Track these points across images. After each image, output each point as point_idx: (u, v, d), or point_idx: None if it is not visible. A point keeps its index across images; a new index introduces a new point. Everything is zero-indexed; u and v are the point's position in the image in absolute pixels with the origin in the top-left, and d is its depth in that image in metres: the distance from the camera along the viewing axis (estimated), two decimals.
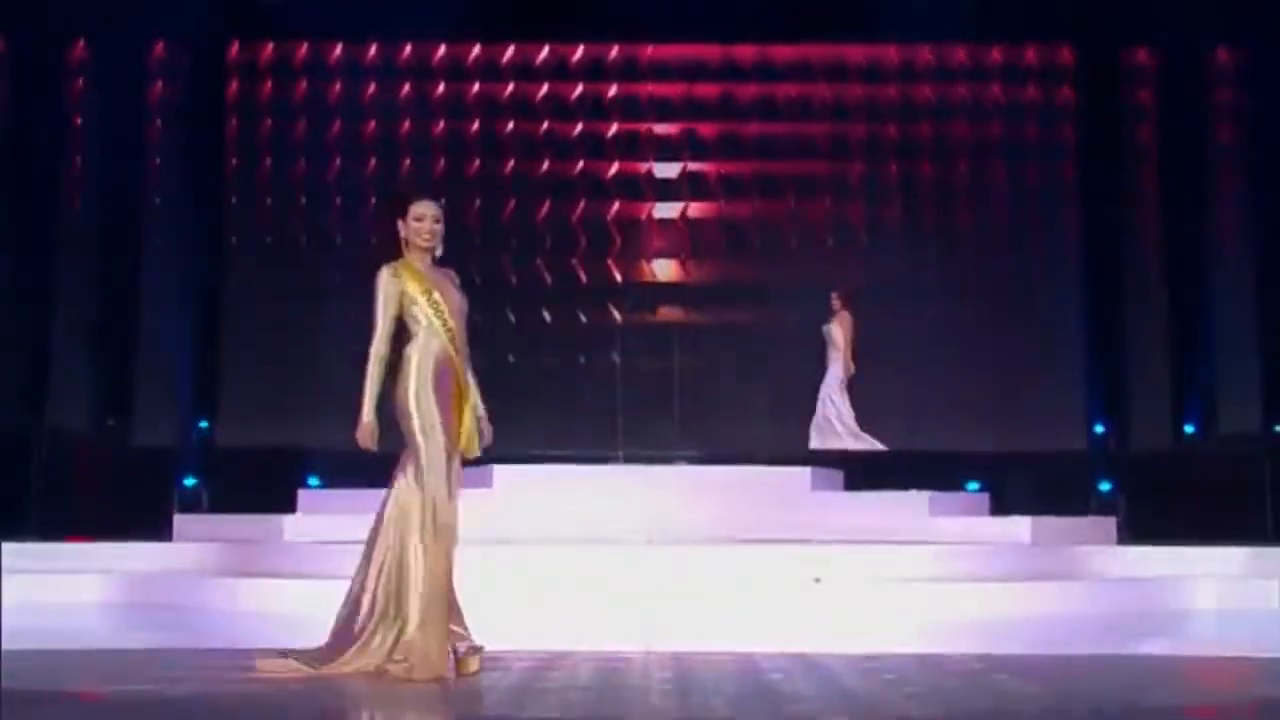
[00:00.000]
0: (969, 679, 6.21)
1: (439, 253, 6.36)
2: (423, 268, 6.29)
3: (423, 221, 6.26)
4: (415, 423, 6.17)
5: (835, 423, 14.52)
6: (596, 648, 7.05)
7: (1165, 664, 7.07)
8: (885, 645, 8.22)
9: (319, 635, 8.55)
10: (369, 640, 6.08)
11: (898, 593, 9.27)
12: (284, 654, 6.28)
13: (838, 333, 14.69)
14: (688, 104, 16.90)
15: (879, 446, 14.35)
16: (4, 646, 7.21)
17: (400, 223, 6.34)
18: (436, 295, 6.22)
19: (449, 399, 6.20)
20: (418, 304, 6.19)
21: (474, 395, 6.36)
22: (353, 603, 6.18)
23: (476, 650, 6.20)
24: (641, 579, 8.98)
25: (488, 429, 6.43)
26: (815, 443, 14.47)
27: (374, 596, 6.12)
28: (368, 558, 6.21)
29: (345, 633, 6.16)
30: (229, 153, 16.76)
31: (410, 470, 6.14)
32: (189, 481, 14.14)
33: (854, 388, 14.76)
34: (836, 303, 14.86)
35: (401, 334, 6.37)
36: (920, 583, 9.52)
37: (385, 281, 6.21)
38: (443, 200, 6.43)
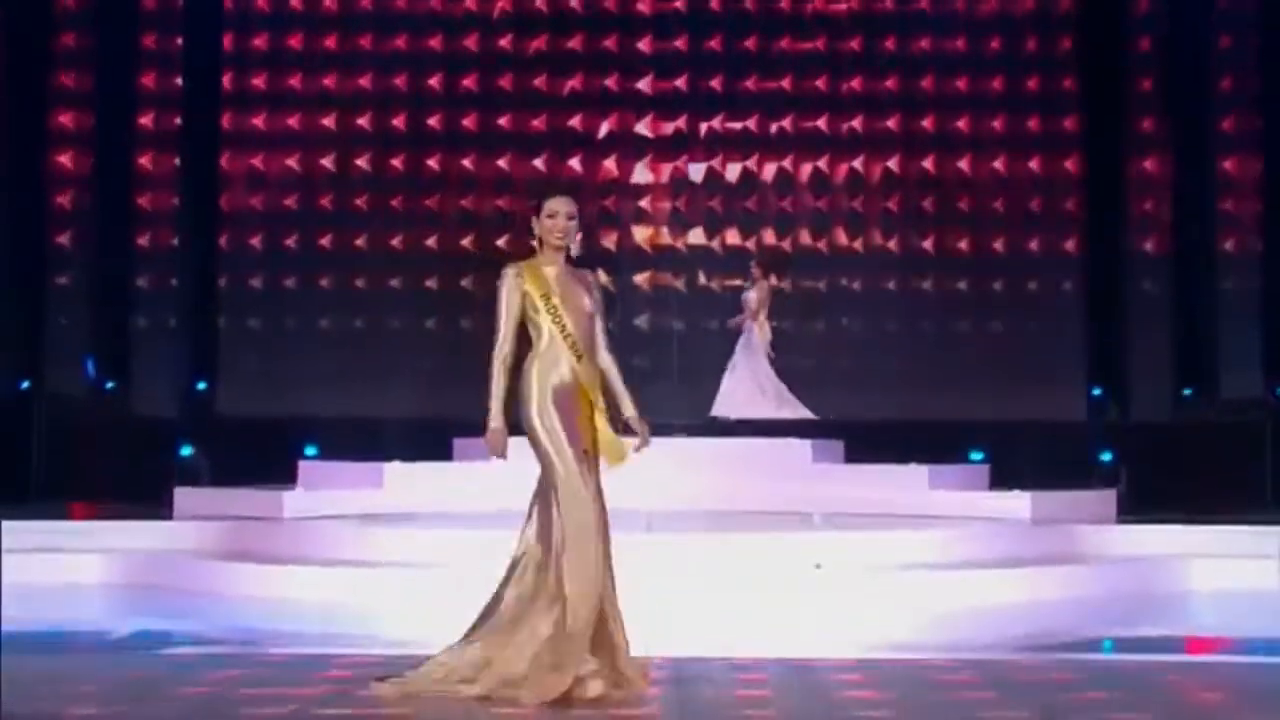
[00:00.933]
0: (956, 698, 6.16)
1: (575, 251, 6.10)
2: (552, 269, 6.03)
3: (555, 218, 6.03)
4: (545, 443, 5.92)
5: (746, 388, 14.41)
6: None
7: (1159, 668, 7.05)
8: (885, 638, 8.28)
9: (319, 620, 8.62)
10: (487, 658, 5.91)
11: (896, 582, 9.28)
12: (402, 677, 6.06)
13: (752, 299, 14.57)
14: (687, 60, 16.72)
15: (791, 414, 14.20)
16: (4, 628, 7.27)
17: (535, 220, 6.10)
18: (555, 300, 5.97)
19: (572, 411, 5.93)
20: (537, 309, 5.97)
21: (623, 396, 6.09)
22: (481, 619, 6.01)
23: (598, 674, 5.86)
24: (638, 573, 8.93)
25: (642, 428, 6.14)
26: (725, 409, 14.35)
27: (498, 619, 5.95)
28: (505, 582, 6.02)
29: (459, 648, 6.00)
30: (224, 109, 16.61)
31: (548, 494, 5.91)
32: (185, 451, 14.11)
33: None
34: (756, 271, 14.73)
35: (525, 342, 6.05)
36: (919, 570, 9.53)
37: (508, 282, 5.99)
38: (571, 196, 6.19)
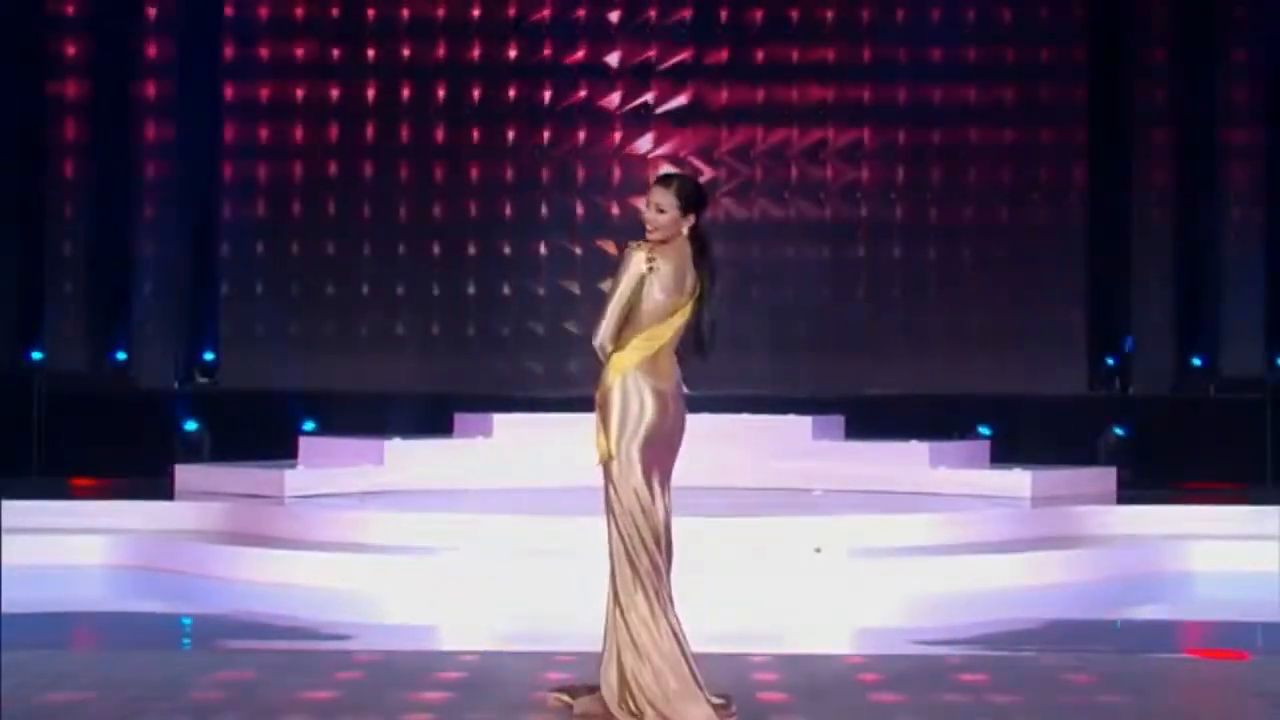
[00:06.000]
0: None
1: (661, 236, 5.42)
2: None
3: (645, 209, 5.50)
4: None
5: None
6: (569, 647, 6.61)
7: (1155, 668, 7.04)
8: (881, 625, 8.29)
9: (321, 607, 8.64)
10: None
11: (895, 567, 9.28)
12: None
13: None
14: (686, 26, 16.58)
15: None
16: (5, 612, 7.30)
17: None
18: None
19: None
20: None
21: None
22: None
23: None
24: None
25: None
26: None
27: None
28: None
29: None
30: (223, 76, 16.50)
31: None
32: (189, 425, 14.16)
33: None
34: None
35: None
36: (917, 556, 9.53)
37: None
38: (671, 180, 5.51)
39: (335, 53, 16.57)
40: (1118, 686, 6.20)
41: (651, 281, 5.38)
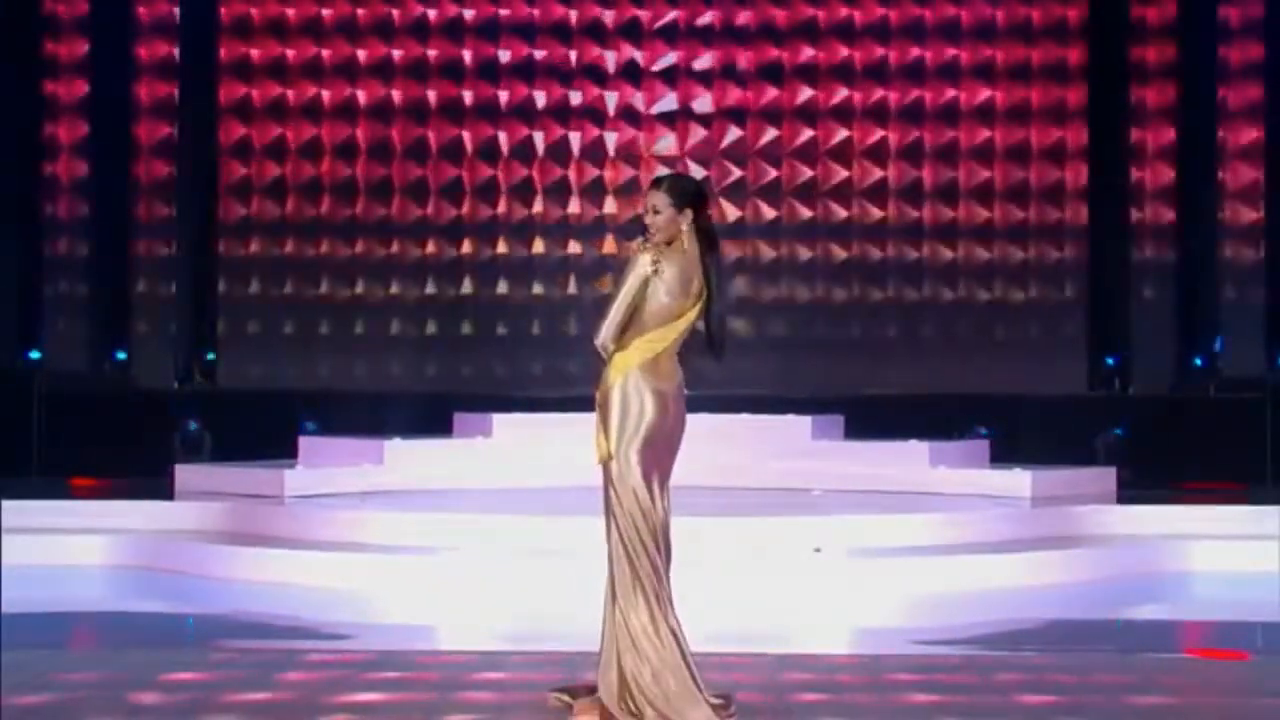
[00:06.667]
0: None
1: (661, 238, 5.43)
2: None
3: (645, 214, 5.56)
4: None
5: None
6: (568, 647, 6.60)
7: (1155, 668, 7.04)
8: (881, 625, 8.29)
9: (320, 606, 8.65)
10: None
11: (895, 567, 9.28)
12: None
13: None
14: (678, 27, 16.57)
15: None
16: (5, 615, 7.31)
17: None
18: None
19: None
20: None
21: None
22: None
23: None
24: None
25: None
26: None
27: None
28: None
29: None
30: (220, 77, 16.49)
31: None
32: (191, 425, 14.17)
33: None
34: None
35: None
36: (917, 556, 9.52)
37: None
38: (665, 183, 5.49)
39: (328, 54, 16.55)
40: (1117, 686, 6.21)
41: (656, 284, 5.39)
